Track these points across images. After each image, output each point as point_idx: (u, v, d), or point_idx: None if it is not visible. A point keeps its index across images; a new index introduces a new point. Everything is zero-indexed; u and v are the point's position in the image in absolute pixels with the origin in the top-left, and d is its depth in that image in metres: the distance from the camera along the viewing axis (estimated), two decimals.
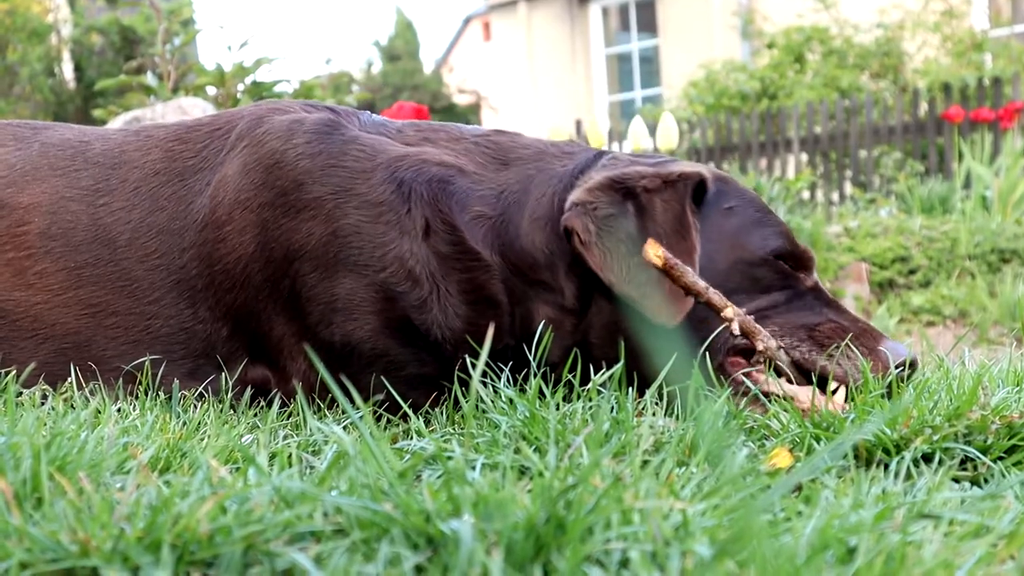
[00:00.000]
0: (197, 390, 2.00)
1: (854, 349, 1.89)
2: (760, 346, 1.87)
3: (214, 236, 2.01)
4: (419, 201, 1.97)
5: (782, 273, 2.00)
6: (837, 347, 1.89)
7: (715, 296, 1.85)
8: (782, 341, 1.92)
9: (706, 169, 2.07)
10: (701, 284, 1.85)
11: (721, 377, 1.89)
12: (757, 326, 1.88)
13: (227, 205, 2.01)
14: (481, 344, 1.91)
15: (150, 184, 2.11)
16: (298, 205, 1.96)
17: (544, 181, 2.03)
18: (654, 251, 1.82)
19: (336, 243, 1.93)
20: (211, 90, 6.35)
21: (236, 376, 2.00)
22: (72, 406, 1.73)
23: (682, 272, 1.83)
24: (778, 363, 1.88)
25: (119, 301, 2.05)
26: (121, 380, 2.03)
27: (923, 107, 11.36)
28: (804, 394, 1.85)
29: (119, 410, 1.77)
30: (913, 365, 1.92)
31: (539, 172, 2.06)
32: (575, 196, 1.95)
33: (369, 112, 2.24)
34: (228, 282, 1.99)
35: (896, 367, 1.87)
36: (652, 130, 8.03)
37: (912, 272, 6.81)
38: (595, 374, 1.80)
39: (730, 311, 1.84)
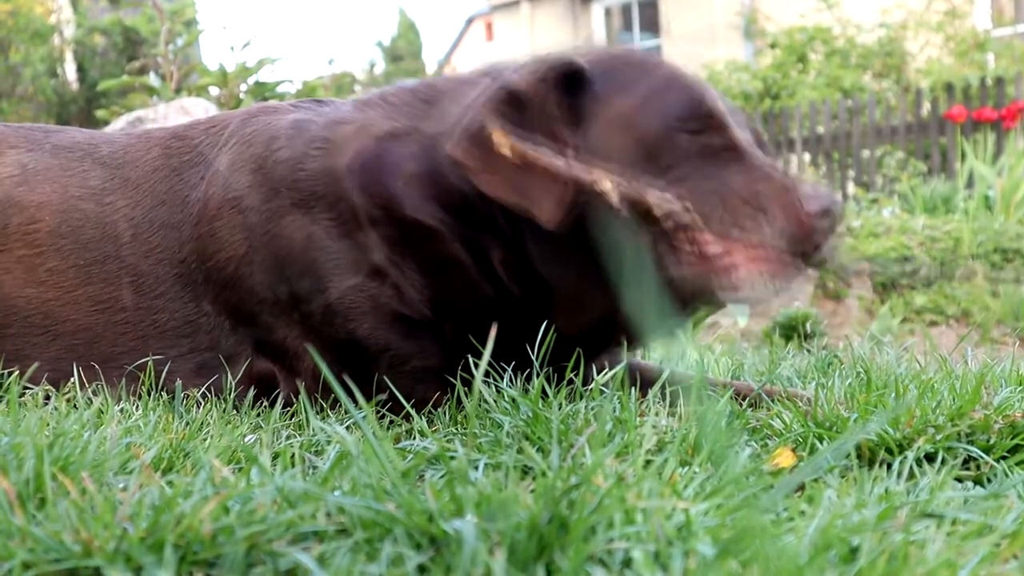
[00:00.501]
0: (204, 386, 2.00)
1: (771, 214, 1.79)
2: (657, 212, 1.76)
3: (207, 231, 2.03)
4: (359, 193, 1.95)
5: (688, 143, 1.84)
6: (753, 215, 1.79)
7: (580, 170, 1.74)
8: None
9: (586, 54, 1.94)
10: (559, 162, 1.74)
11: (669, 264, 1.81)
12: (645, 190, 1.76)
13: (217, 200, 2.03)
14: (457, 308, 1.91)
15: (150, 180, 2.14)
16: (279, 212, 1.97)
17: (456, 113, 1.94)
18: (499, 139, 1.73)
19: (313, 250, 1.94)
20: (214, 90, 6.36)
21: (242, 371, 2.01)
22: (75, 406, 1.73)
23: (535, 155, 1.73)
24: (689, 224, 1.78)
25: (127, 297, 2.07)
26: (126, 378, 2.04)
27: (926, 107, 11.36)
28: (741, 254, 1.78)
29: (122, 410, 1.77)
30: (834, 212, 1.82)
31: (454, 104, 1.98)
32: (463, 121, 1.87)
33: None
34: (222, 280, 2.01)
35: (820, 216, 1.79)
36: None
37: (915, 272, 6.80)
38: (553, 308, 1.79)
39: (606, 183, 1.73)
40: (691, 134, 1.85)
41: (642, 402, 1.79)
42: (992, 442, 1.55)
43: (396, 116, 2.01)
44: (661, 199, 1.77)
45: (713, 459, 1.37)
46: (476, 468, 1.33)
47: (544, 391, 1.63)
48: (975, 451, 1.51)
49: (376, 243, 1.93)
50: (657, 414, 1.70)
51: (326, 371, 1.25)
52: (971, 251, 6.81)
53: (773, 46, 14.29)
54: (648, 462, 1.34)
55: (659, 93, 1.88)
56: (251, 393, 2.00)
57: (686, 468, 1.35)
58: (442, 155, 1.89)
